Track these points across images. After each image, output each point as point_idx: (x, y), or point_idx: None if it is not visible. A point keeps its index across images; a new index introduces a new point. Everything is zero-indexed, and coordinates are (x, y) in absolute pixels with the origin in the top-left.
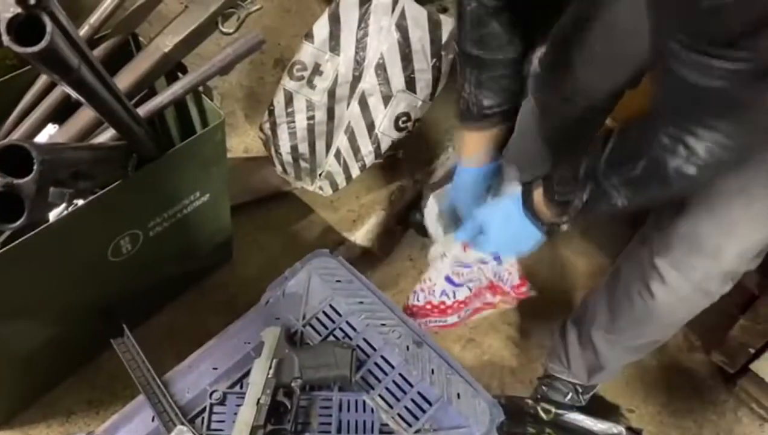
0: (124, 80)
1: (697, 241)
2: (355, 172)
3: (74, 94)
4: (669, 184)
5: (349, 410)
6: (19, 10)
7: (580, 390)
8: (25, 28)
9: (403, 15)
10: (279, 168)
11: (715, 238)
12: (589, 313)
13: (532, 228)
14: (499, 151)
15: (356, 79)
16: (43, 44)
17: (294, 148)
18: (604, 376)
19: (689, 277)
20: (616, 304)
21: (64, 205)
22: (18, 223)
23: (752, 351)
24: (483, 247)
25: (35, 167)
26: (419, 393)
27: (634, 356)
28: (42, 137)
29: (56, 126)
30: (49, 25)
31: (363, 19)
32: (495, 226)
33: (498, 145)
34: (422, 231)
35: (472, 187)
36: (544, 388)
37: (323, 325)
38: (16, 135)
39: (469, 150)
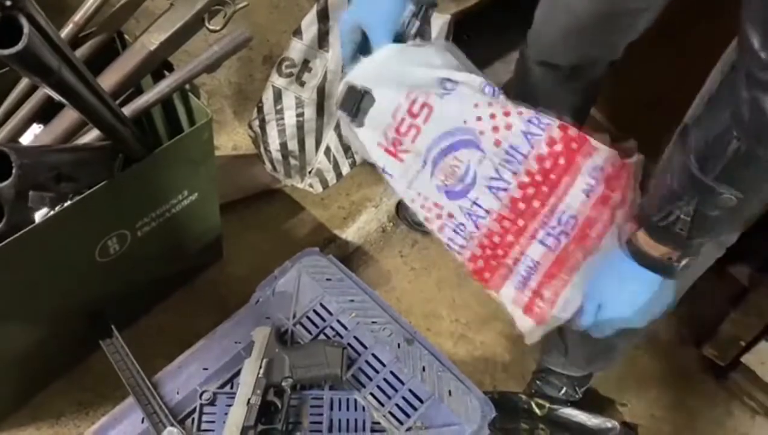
0: (109, 79)
1: None
2: (345, 169)
3: (56, 96)
4: None
5: (340, 409)
6: None
7: (576, 383)
8: (1, 29)
9: None
10: (268, 165)
11: None
12: None
13: (653, 277)
14: None
15: (345, 75)
16: (19, 46)
17: (283, 146)
18: (602, 364)
19: None
20: None
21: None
22: None
23: (743, 344)
24: (611, 326)
25: (14, 171)
26: (410, 391)
27: (639, 333)
28: (27, 137)
29: (41, 126)
30: (26, 27)
31: None
32: (611, 295)
33: None
34: (414, 227)
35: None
36: (538, 382)
37: (314, 323)
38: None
39: None
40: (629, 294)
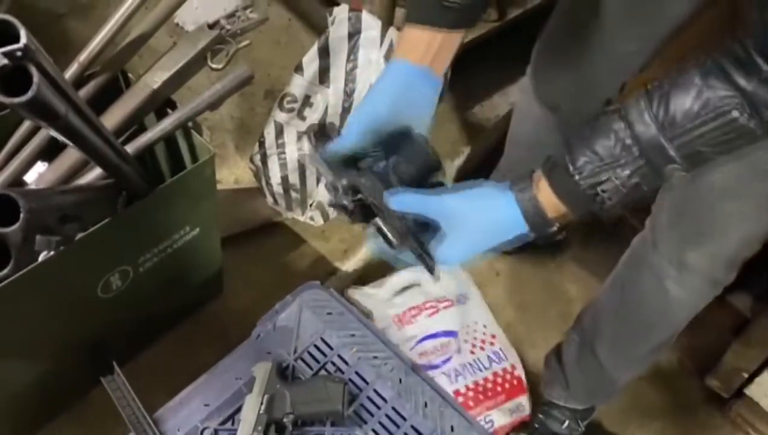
0: (113, 117)
1: (701, 233)
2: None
3: (61, 138)
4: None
5: None
6: (5, 61)
7: (578, 416)
8: (11, 77)
9: (391, 47)
10: (270, 199)
11: (718, 228)
12: (591, 329)
13: (518, 222)
14: (448, 64)
15: (346, 110)
16: (29, 95)
17: (285, 179)
18: (604, 397)
19: (698, 267)
20: (625, 311)
21: None
22: (4, 272)
23: (746, 375)
24: (452, 246)
25: (22, 216)
26: (413, 427)
27: (640, 367)
28: (31, 175)
29: (45, 164)
30: (35, 76)
31: (352, 52)
32: (471, 216)
33: (449, 58)
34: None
35: (399, 91)
36: (540, 416)
37: (315, 359)
38: (5, 174)
39: (410, 46)
40: (486, 225)
